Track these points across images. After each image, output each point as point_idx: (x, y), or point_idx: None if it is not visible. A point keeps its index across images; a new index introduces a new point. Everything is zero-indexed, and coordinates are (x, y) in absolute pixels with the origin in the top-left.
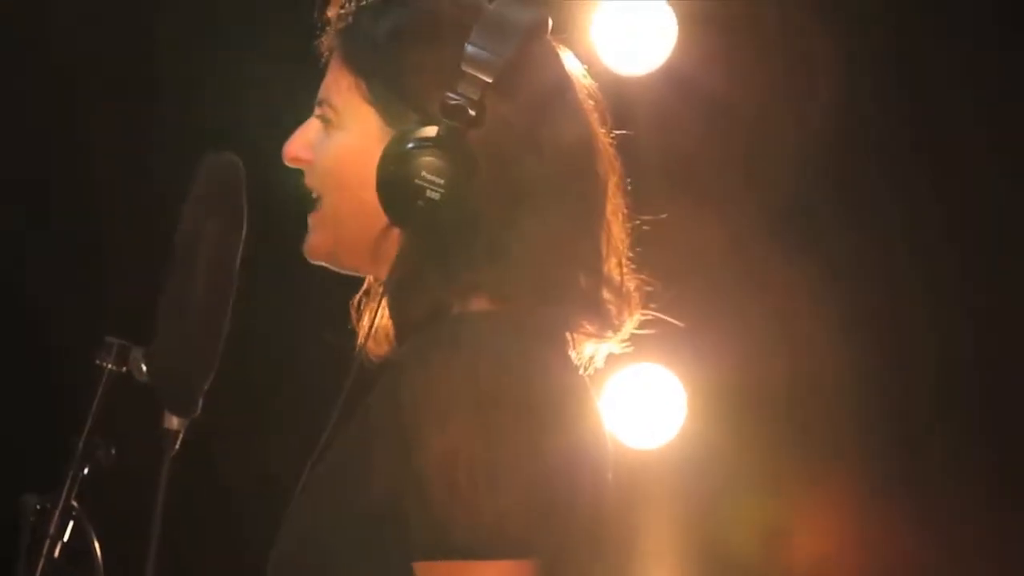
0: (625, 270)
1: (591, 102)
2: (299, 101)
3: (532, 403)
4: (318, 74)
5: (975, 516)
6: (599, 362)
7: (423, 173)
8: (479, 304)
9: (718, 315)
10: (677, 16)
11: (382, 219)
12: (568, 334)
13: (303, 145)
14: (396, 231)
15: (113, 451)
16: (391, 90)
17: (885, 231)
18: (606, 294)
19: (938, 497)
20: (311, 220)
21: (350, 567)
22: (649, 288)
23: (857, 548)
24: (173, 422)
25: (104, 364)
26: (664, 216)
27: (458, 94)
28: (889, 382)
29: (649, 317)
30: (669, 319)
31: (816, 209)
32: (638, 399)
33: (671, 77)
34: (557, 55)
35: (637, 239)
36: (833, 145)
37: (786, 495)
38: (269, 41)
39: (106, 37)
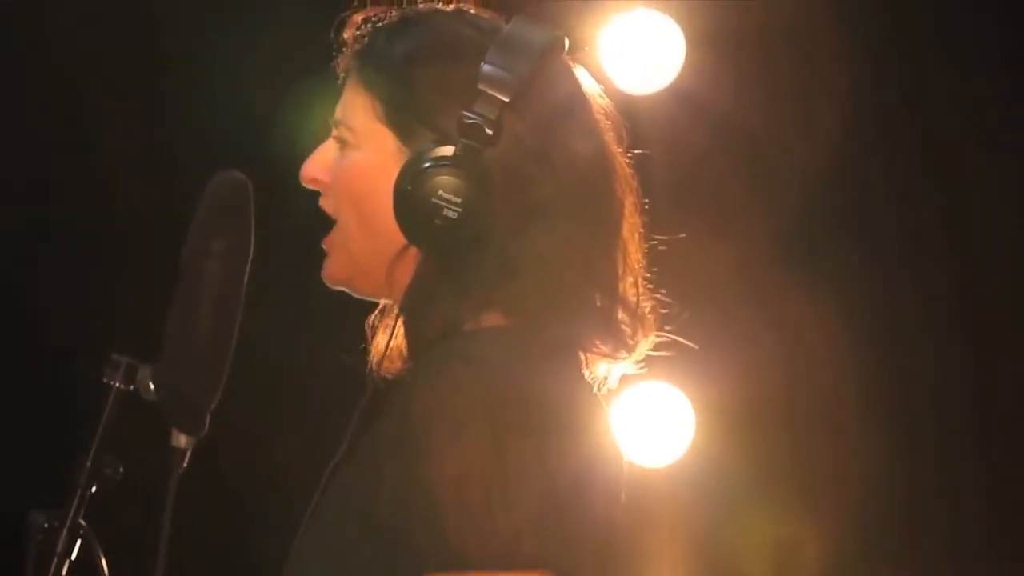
0: (641, 290)
1: (607, 121)
2: (315, 115)
3: (543, 418)
4: (335, 89)
5: (979, 530)
6: (612, 382)
7: (440, 192)
8: (492, 320)
9: (726, 334)
10: (685, 35)
11: (399, 239)
12: (581, 353)
13: (320, 166)
14: (412, 251)
15: (121, 469)
16: (407, 110)
17: (890, 252)
18: (621, 314)
19: (944, 515)
20: (326, 245)
21: None
22: (664, 310)
23: (864, 564)
24: (181, 440)
25: (112, 382)
26: (681, 236)
27: (475, 113)
28: (894, 401)
29: (661, 338)
30: (680, 339)
31: (823, 229)
32: (646, 417)
33: (679, 96)
34: (573, 74)
35: (646, 259)
36: (841, 166)
37: (793, 513)
38: (290, 58)
39: (118, 43)
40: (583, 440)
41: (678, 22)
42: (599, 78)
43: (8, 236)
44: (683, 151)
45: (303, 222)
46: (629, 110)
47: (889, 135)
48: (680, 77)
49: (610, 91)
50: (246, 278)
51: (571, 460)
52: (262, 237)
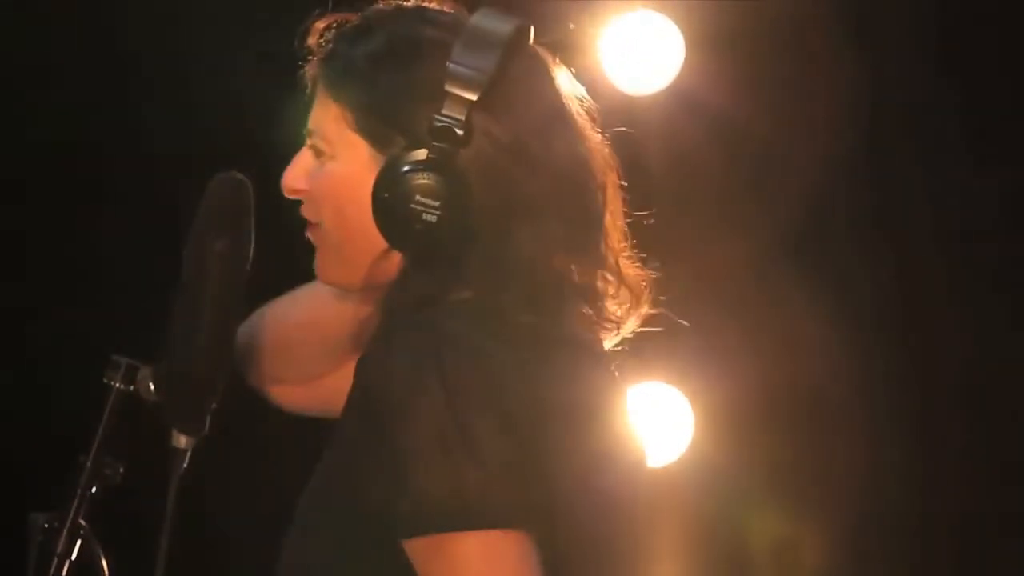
0: (627, 267)
1: (582, 108)
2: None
3: (496, 376)
4: (305, 98)
5: (987, 535)
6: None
7: (417, 197)
8: (459, 296)
9: (724, 334)
10: (684, 36)
11: (381, 242)
12: (564, 329)
13: (298, 176)
14: (395, 253)
15: (121, 470)
16: (376, 116)
17: (891, 251)
18: (609, 289)
19: (949, 513)
20: (313, 240)
21: (347, 563)
22: (653, 273)
23: (864, 563)
24: (181, 441)
25: (112, 383)
26: (677, 224)
27: (444, 115)
28: (899, 400)
29: (657, 332)
30: (675, 319)
31: (823, 229)
32: (645, 417)
33: (679, 97)
34: (542, 63)
35: (644, 257)
36: (840, 166)
37: (793, 513)
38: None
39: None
40: (546, 398)
41: (677, 23)
42: (594, 78)
43: (10, 235)
44: (682, 152)
45: (300, 220)
46: (628, 111)
47: (888, 134)
48: (679, 78)
49: (609, 92)
50: (246, 278)
51: (532, 415)
52: (261, 237)
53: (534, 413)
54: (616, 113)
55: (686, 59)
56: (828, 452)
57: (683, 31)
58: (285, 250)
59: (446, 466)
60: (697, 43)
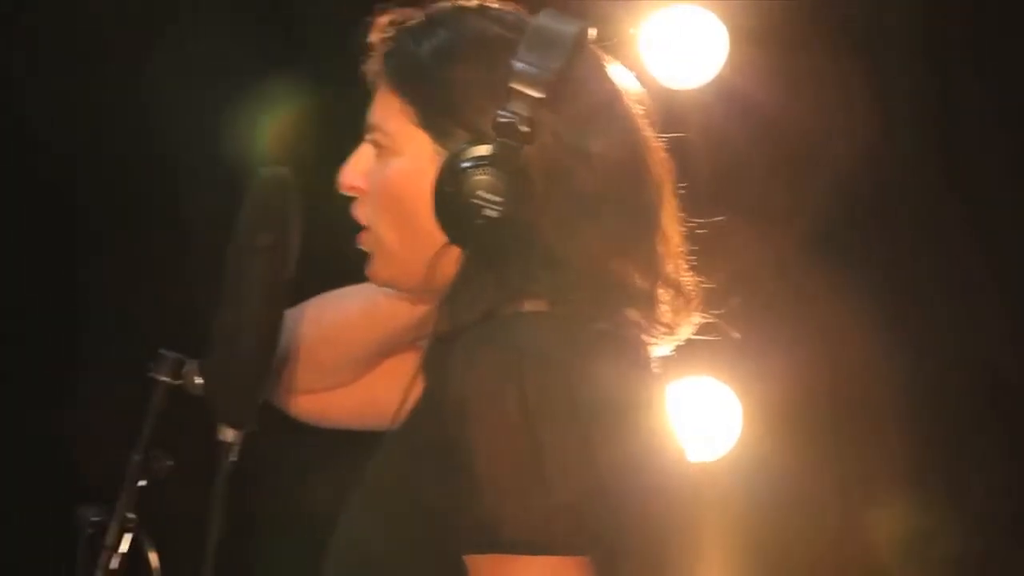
0: (682, 272)
1: (641, 107)
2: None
3: (580, 400)
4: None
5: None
6: (659, 362)
7: (479, 192)
8: (534, 306)
9: (771, 329)
10: (728, 30)
11: (439, 240)
12: (629, 331)
13: (359, 173)
14: (454, 251)
15: (169, 463)
16: (441, 111)
17: (935, 250)
18: (664, 295)
19: (994, 507)
20: (365, 246)
21: (403, 566)
22: (708, 287)
23: (911, 559)
24: (228, 434)
25: (159, 377)
26: (722, 225)
27: (509, 111)
28: (941, 394)
29: (707, 325)
30: (725, 334)
31: (867, 226)
32: (693, 412)
33: (721, 91)
34: (603, 64)
35: (689, 253)
36: (880, 161)
37: (840, 507)
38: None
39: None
40: (626, 424)
41: (721, 17)
42: (639, 72)
43: (60, 233)
44: (724, 146)
45: (342, 218)
46: (670, 104)
47: (930, 134)
48: (723, 72)
49: (650, 86)
50: (292, 273)
51: (610, 443)
52: (311, 245)
53: (608, 424)
54: (657, 107)
55: (729, 54)
56: (874, 446)
57: (727, 25)
58: (334, 243)
59: (517, 490)
60: (741, 38)
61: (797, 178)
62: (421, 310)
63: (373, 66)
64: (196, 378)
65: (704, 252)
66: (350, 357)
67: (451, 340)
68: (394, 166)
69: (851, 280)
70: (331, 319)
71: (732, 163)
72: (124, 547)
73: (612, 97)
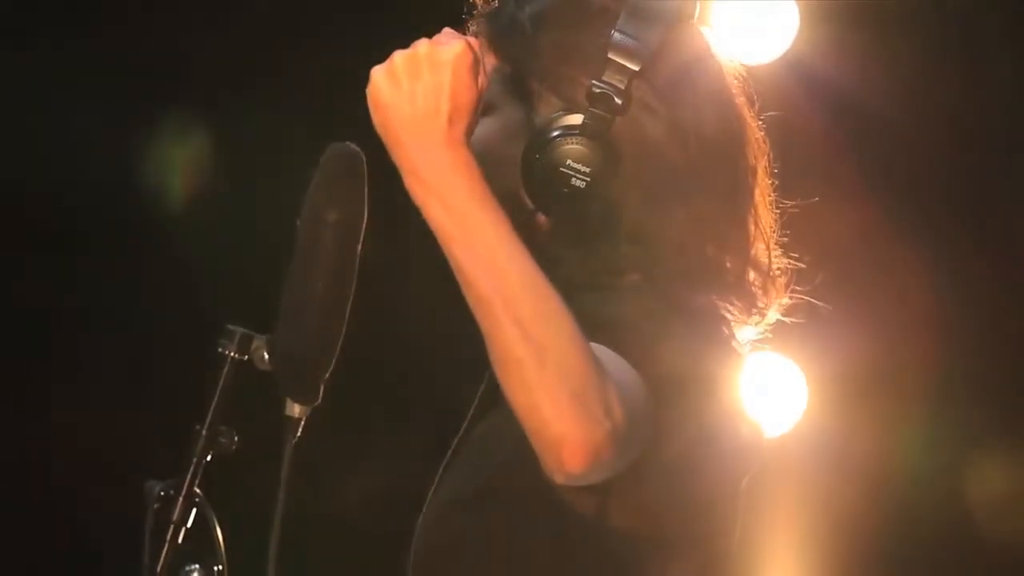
0: (774, 254)
1: (738, 85)
2: None
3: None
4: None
5: None
6: (746, 344)
7: (568, 161)
8: (629, 279)
9: (837, 305)
10: (799, 6)
11: (525, 206)
12: (719, 313)
13: None
14: (540, 217)
15: (236, 438)
16: (536, 76)
17: (1008, 233)
18: (753, 277)
19: None
20: None
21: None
22: (799, 267)
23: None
24: (295, 410)
25: (226, 352)
26: (803, 202)
27: (604, 82)
28: (1008, 374)
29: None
30: (816, 302)
31: (938, 200)
32: (759, 388)
33: (792, 67)
34: (703, 40)
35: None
36: (956, 139)
37: (907, 483)
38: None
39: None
40: (711, 405)
41: None
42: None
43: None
44: (797, 122)
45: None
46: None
47: (1006, 109)
48: (794, 48)
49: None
50: (359, 249)
51: (696, 424)
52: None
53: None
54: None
55: (800, 30)
56: (940, 423)
57: (798, 2)
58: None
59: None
60: (812, 14)
61: (866, 155)
62: None
63: (475, 25)
64: (263, 353)
65: (790, 232)
66: None
67: None
68: (486, 126)
69: (923, 257)
70: None
71: (800, 139)
72: (190, 522)
73: (710, 75)
